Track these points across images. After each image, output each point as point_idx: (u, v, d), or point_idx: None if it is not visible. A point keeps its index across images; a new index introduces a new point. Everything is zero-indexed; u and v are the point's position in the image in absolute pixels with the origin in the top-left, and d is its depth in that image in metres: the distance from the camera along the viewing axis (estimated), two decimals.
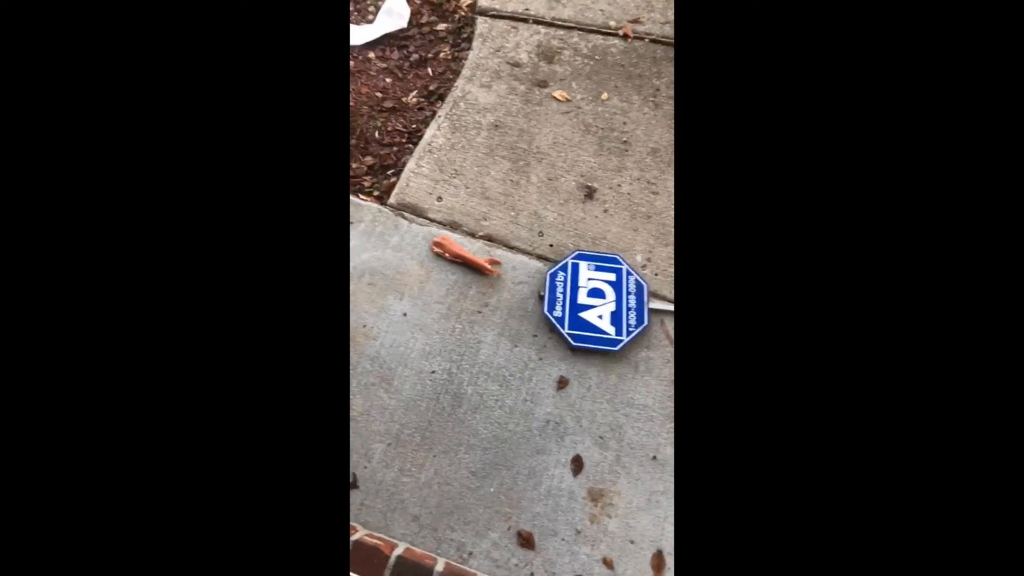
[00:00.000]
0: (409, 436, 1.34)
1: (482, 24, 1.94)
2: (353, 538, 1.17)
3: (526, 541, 1.24)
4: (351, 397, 1.37)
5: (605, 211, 1.63)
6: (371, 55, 1.94)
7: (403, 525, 1.25)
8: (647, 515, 1.26)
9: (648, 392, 1.39)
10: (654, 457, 1.32)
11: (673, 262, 1.55)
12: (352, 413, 1.36)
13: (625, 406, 1.37)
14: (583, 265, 1.52)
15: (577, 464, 1.31)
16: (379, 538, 1.20)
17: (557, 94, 1.81)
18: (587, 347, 1.41)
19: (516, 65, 1.86)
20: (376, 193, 1.68)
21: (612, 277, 1.51)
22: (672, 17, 1.94)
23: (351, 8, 2.05)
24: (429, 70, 1.92)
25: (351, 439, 1.33)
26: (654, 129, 1.75)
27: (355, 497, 1.28)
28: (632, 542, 1.24)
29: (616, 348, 1.41)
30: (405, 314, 1.47)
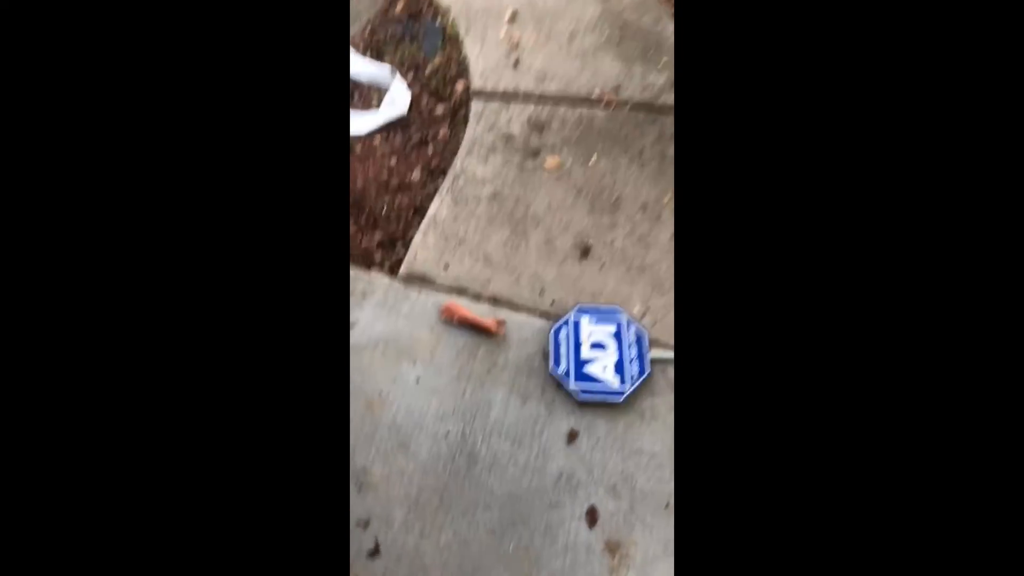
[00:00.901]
0: (427, 499, 1.38)
1: (476, 104, 2.11)
2: None
3: None
4: (372, 465, 1.43)
5: (601, 267, 1.72)
6: (376, 140, 2.12)
7: None
8: (664, 564, 1.27)
9: (656, 439, 1.42)
10: (667, 505, 1.34)
11: (670, 310, 1.61)
12: (373, 480, 1.41)
13: (635, 454, 1.41)
14: (584, 319, 1.60)
15: (592, 516, 1.34)
16: None
17: (549, 162, 1.95)
18: (593, 399, 1.47)
19: (510, 138, 2.01)
20: (386, 266, 1.80)
21: (613, 328, 1.58)
22: (651, 83, 2.09)
23: (356, 98, 2.25)
24: (430, 149, 2.08)
25: (373, 506, 1.38)
26: (642, 186, 1.86)
27: (378, 566, 1.31)
28: None
29: (620, 399, 1.46)
30: (418, 379, 1.55)
